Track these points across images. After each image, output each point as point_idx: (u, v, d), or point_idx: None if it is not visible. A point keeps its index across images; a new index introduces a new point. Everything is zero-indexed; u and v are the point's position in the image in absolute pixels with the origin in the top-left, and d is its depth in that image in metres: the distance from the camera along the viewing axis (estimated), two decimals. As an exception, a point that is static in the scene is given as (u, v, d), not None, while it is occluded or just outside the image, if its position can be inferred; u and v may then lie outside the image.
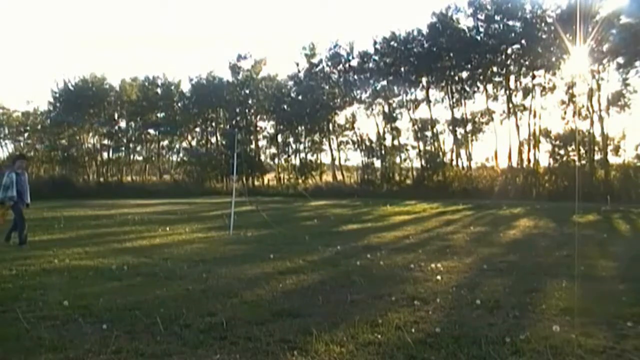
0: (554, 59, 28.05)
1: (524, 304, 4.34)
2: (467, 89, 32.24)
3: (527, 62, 29.47)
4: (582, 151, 28.26)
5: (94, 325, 3.67)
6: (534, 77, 29.56)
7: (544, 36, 28.04)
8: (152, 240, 9.02)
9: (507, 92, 30.73)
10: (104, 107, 39.54)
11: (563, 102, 28.79)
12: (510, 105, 30.55)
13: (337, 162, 38.11)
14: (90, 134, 40.92)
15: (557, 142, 28.57)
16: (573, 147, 27.96)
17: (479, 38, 30.38)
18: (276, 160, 40.58)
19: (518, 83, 30.61)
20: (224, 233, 10.04)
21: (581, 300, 4.42)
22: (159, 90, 40.83)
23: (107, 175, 40.79)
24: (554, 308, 4.21)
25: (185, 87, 40.86)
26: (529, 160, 29.85)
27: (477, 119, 32.34)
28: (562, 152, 28.38)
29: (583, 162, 28.06)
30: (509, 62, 30.38)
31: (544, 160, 29.60)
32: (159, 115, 41.02)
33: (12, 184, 7.61)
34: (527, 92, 29.91)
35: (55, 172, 37.89)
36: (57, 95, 38.78)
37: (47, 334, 3.50)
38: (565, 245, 8.22)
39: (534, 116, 29.78)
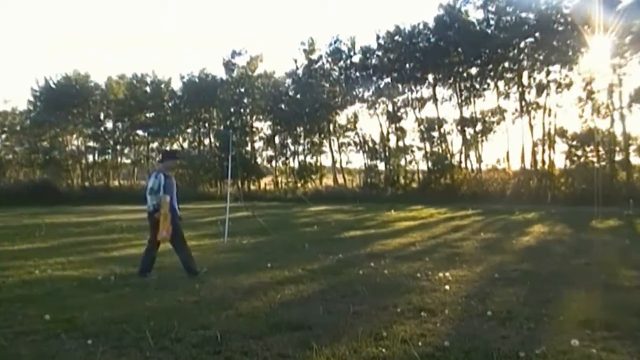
0: (570, 53, 27.78)
1: (539, 316, 4.31)
2: (477, 86, 32.29)
3: (541, 57, 29.30)
4: (602, 151, 28.07)
5: (78, 341, 3.66)
6: (548, 72, 29.43)
7: (559, 28, 27.74)
8: (142, 248, 8.88)
9: (520, 89, 30.72)
10: (89, 106, 39.66)
11: (580, 99, 28.57)
12: (523, 103, 30.58)
13: (338, 165, 38.29)
14: (74, 136, 41.04)
15: (574, 142, 28.50)
16: (592, 147, 27.88)
17: (489, 31, 30.39)
18: (273, 163, 40.71)
19: (532, 79, 30.52)
20: (218, 240, 10.03)
21: (602, 311, 4.40)
22: (148, 89, 40.98)
23: (92, 179, 40.87)
24: (573, 320, 4.18)
25: (176, 86, 41.13)
26: (543, 162, 29.84)
27: (487, 118, 32.39)
28: (579, 152, 28.32)
29: (603, 163, 27.87)
30: (521, 57, 30.28)
31: (560, 162, 29.65)
32: (148, 115, 41.14)
33: (161, 187, 6.16)
34: (541, 88, 29.82)
35: (36, 176, 37.89)
36: (38, 94, 38.85)
37: (26, 350, 3.49)
38: (584, 253, 8.20)
39: (549, 114, 29.79)
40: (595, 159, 27.94)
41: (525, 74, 30.63)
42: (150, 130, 40.74)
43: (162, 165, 6.51)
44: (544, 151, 29.95)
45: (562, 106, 29.45)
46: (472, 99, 32.84)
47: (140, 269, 6.22)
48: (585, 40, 25.06)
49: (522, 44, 29.83)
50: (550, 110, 29.70)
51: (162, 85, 41.19)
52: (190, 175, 39.01)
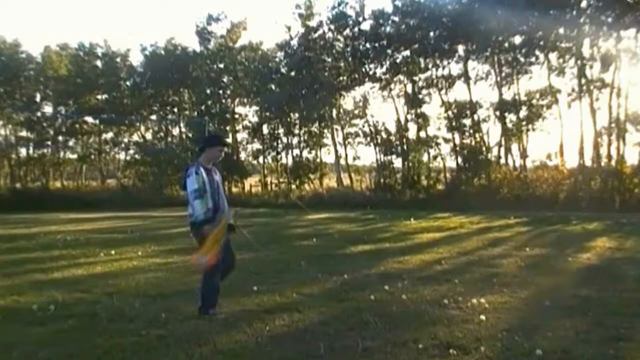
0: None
1: (606, 357, 4.29)
2: (522, 59, 32.17)
3: (609, 19, 28.38)
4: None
5: (6, 389, 3.65)
6: (619, 39, 28.75)
7: (635, -23, 26.65)
8: (91, 268, 9.03)
9: (579, 62, 30.35)
10: (20, 85, 39.46)
11: (664, 74, 28.17)
12: (583, 80, 30.33)
13: (342, 162, 38.29)
14: (1, 123, 40.89)
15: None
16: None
17: (539, -13, 30.07)
18: (261, 159, 40.80)
19: (595, 49, 29.99)
20: (190, 257, 10.01)
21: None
22: (99, 63, 41.02)
23: (26, 179, 40.77)
24: (652, 363, 4.17)
25: (136, 59, 41.26)
26: (609, 157, 29.62)
27: (534, 101, 32.38)
28: (660, 144, 28.10)
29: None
30: (582, 20, 29.72)
31: (633, 157, 29.50)
32: (99, 97, 41.19)
33: (206, 188, 5.64)
34: (608, 61, 29.24)
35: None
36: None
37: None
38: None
39: (618, 95, 29.15)
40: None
41: (586, 42, 30.10)
42: (102, 117, 40.73)
43: (203, 156, 5.94)
44: (610, 143, 29.62)
45: (636, 84, 29.25)
46: (515, 77, 32.79)
47: (201, 304, 5.67)
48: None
49: (582, 3, 29.15)
50: (619, 89, 29.14)
51: (118, 59, 41.22)
52: (155, 174, 39.07)
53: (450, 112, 33.95)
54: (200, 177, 5.63)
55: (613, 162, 29.08)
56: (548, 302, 6.23)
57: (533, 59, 31.87)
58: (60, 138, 41.52)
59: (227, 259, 5.84)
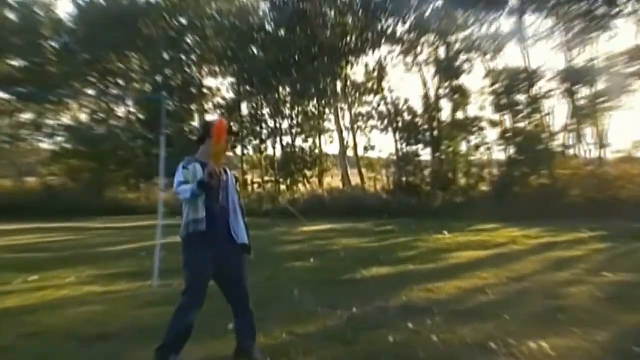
0: None
1: None
2: (598, 11, 32.07)
3: None
4: None
5: None
6: None
7: None
8: (3, 300, 9.03)
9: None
10: None
11: None
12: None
13: (350, 153, 38.34)
14: None
15: None
16: None
17: None
18: (239, 150, 40.73)
19: None
20: (141, 284, 10.16)
21: None
22: (13, 17, 40.78)
23: None
24: None
25: (66, 11, 41.14)
26: None
27: (618, 69, 32.24)
28: None
29: None
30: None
31: None
32: (14, 63, 40.99)
33: (198, 191, 5.60)
34: None
35: None
36: None
37: None
38: None
39: None
40: None
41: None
42: (19, 91, 40.54)
43: (202, 148, 6.01)
44: None
45: None
46: (588, 36, 32.69)
47: (162, 344, 5.62)
48: None
49: None
50: None
51: (41, 11, 41.08)
52: (93, 170, 38.99)
53: (498, 85, 33.91)
54: (191, 172, 5.67)
55: None
56: (636, 346, 6.24)
57: (615, 10, 31.67)
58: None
59: (237, 297, 6.18)
